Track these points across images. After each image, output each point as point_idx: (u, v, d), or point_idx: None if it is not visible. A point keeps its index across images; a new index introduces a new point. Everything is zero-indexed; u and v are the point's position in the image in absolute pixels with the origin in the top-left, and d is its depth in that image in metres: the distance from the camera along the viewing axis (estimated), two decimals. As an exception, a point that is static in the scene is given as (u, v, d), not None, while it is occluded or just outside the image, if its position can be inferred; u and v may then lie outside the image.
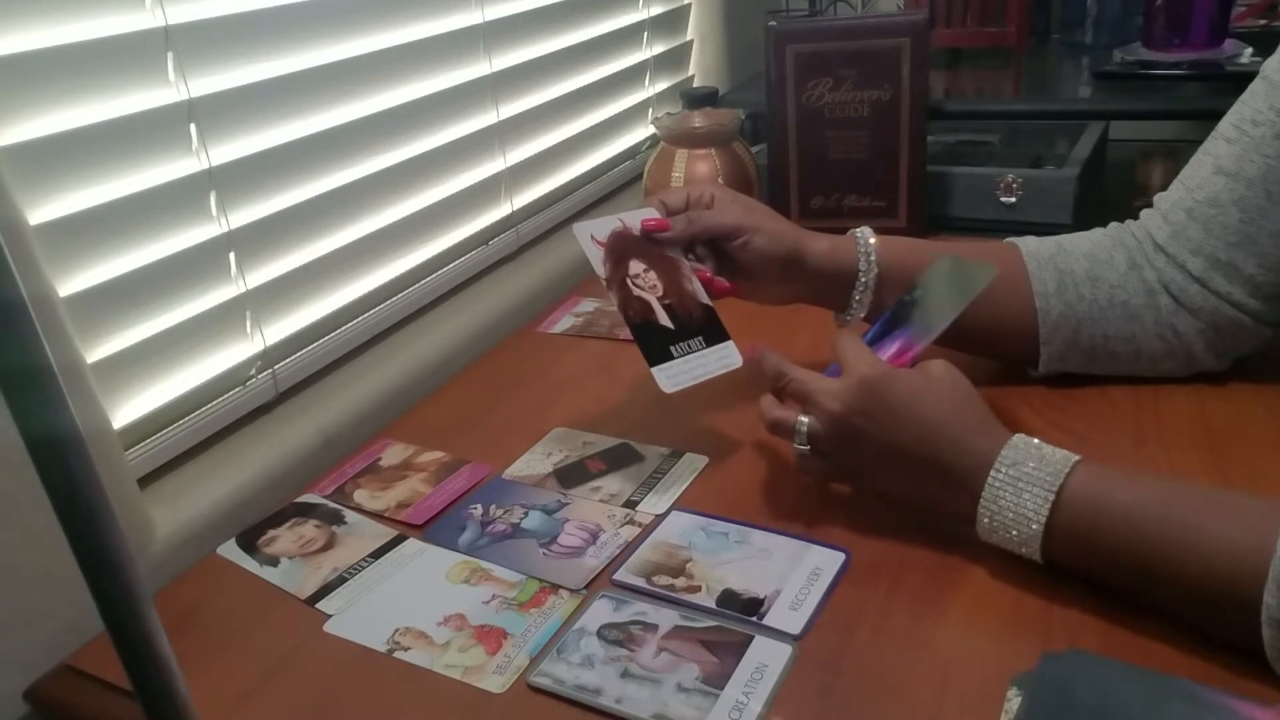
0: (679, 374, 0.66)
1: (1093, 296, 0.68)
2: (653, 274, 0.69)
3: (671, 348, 0.67)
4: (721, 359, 0.68)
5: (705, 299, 0.70)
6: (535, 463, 0.72)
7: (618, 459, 0.72)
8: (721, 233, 0.70)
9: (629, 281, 0.68)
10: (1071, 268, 0.69)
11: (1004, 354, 0.74)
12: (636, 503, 0.66)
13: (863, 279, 0.71)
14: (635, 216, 0.71)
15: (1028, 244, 0.71)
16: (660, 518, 0.64)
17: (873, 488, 0.62)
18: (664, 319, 0.68)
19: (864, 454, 0.58)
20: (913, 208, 1.03)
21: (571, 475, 0.70)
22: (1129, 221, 0.72)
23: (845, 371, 0.58)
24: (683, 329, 0.68)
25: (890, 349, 0.62)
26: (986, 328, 0.71)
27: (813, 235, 0.72)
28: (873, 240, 0.71)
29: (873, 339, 0.64)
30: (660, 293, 0.69)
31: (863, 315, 0.72)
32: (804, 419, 0.60)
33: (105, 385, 0.64)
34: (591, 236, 0.69)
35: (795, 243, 0.70)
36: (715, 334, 0.69)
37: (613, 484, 0.69)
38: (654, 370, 0.66)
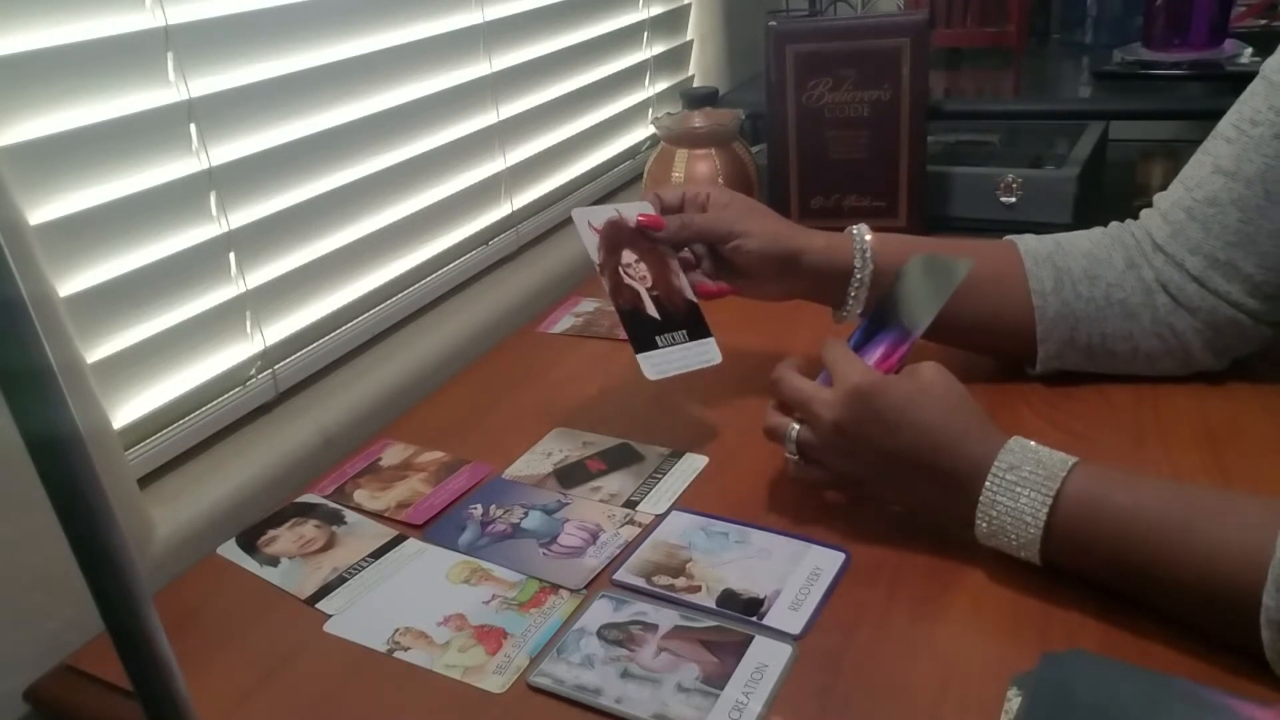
0: (662, 363, 0.69)
1: (1090, 295, 0.68)
2: (643, 265, 0.71)
3: (657, 338, 0.69)
4: (702, 354, 0.71)
5: (691, 295, 0.72)
6: (535, 463, 0.72)
7: (618, 459, 0.72)
8: (713, 238, 0.71)
9: (621, 270, 0.71)
10: (1069, 266, 0.69)
11: (1001, 352, 0.74)
12: (636, 503, 0.66)
13: (858, 276, 0.71)
14: (631, 209, 0.73)
15: (1026, 242, 0.71)
16: (660, 518, 0.64)
17: (869, 495, 0.62)
18: (651, 309, 0.70)
19: (859, 462, 0.58)
20: (913, 208, 1.03)
21: (571, 475, 0.70)
22: (1129, 221, 0.72)
23: (836, 380, 0.58)
24: (668, 321, 0.70)
25: (876, 352, 0.62)
26: (983, 325, 0.71)
27: (809, 233, 0.72)
28: (869, 238, 0.71)
29: (858, 343, 0.64)
30: (649, 284, 0.71)
31: (859, 312, 0.72)
32: (795, 426, 0.60)
33: (105, 385, 0.64)
34: (589, 223, 0.71)
35: (789, 243, 0.71)
36: (698, 329, 0.72)
37: (613, 484, 0.69)
38: (639, 357, 0.68)
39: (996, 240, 0.73)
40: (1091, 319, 0.69)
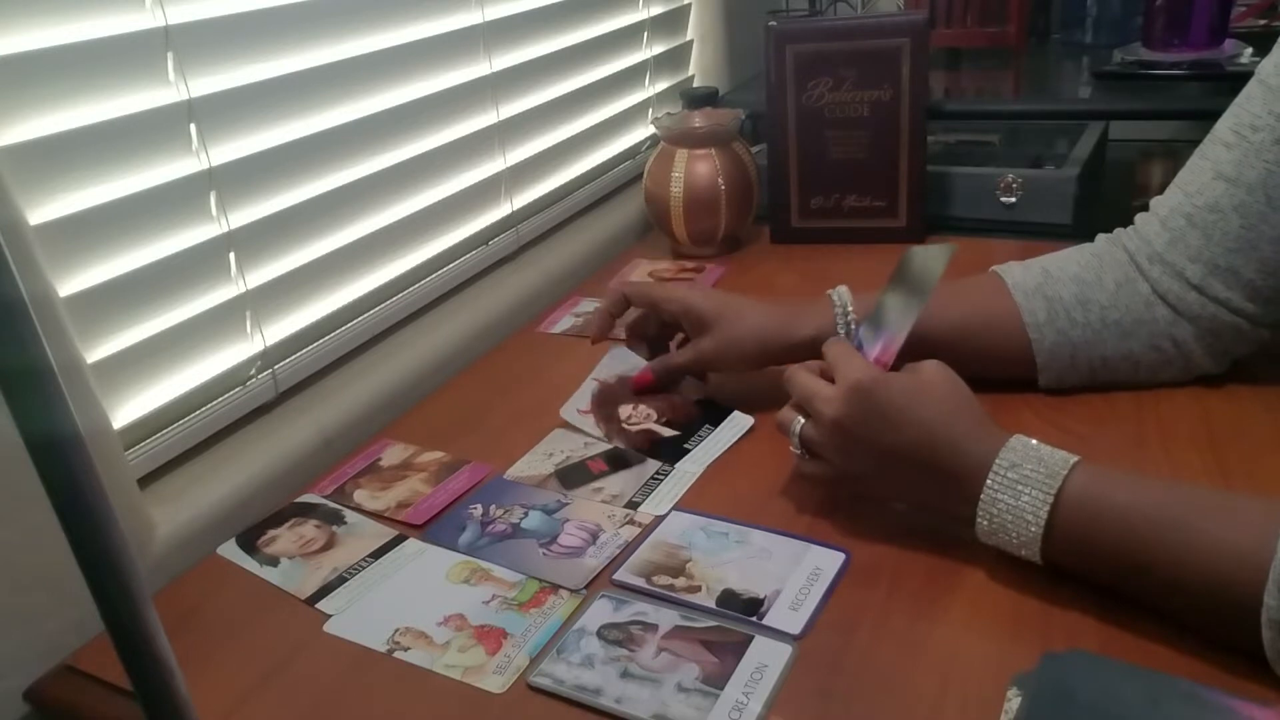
0: (699, 456, 0.71)
1: (1085, 320, 0.68)
2: (642, 406, 0.75)
3: (685, 445, 0.72)
4: (733, 427, 0.73)
5: (694, 395, 0.76)
6: (537, 463, 0.72)
7: (619, 459, 0.72)
8: (699, 368, 0.74)
9: (625, 426, 0.74)
10: (1059, 294, 0.69)
11: (1007, 380, 0.73)
12: (638, 504, 0.66)
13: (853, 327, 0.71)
14: (606, 369, 0.77)
15: (1013, 275, 0.71)
16: (660, 518, 0.64)
17: (871, 493, 0.62)
18: (668, 432, 0.73)
19: (860, 459, 0.58)
20: (913, 208, 1.03)
21: (573, 476, 0.70)
22: (1118, 232, 0.71)
23: (838, 378, 0.59)
24: (687, 429, 0.73)
25: (874, 350, 0.62)
26: (981, 362, 0.69)
27: (791, 322, 0.72)
28: (851, 308, 0.71)
29: (859, 342, 0.64)
30: (655, 416, 0.74)
31: None
32: (800, 421, 0.61)
33: (105, 385, 0.64)
34: (578, 410, 0.75)
35: (775, 343, 0.72)
36: (717, 415, 0.75)
37: (614, 485, 0.69)
38: (678, 466, 0.70)
39: (981, 276, 0.73)
40: (1089, 344, 0.69)
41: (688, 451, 0.71)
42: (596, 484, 0.69)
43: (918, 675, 0.50)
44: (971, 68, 1.41)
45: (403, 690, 0.53)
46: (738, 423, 0.73)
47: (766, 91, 1.05)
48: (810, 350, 0.70)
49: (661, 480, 0.68)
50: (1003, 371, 0.71)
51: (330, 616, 0.59)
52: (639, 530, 0.63)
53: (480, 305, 0.97)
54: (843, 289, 0.72)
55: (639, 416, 0.75)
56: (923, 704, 0.48)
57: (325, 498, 0.71)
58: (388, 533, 0.66)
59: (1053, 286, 0.69)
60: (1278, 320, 0.66)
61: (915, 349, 0.62)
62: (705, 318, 0.73)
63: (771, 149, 1.07)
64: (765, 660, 0.51)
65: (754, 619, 0.54)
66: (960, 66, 1.41)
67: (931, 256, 0.64)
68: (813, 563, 0.58)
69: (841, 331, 0.71)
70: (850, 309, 0.71)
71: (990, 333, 0.70)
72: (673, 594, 0.57)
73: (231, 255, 0.73)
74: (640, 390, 0.71)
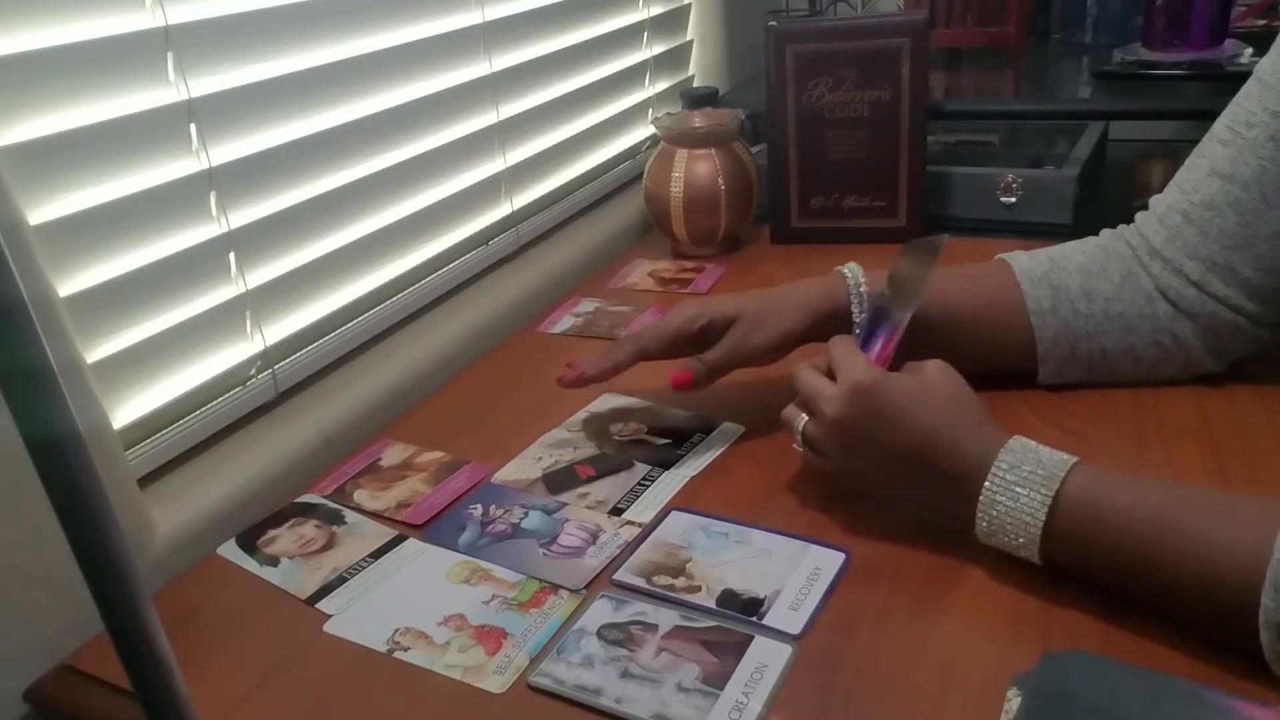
0: (693, 464, 0.70)
1: (1088, 311, 0.68)
2: (630, 423, 0.77)
3: (677, 451, 0.72)
4: (724, 435, 0.74)
5: (682, 414, 0.77)
6: (525, 467, 0.72)
7: (608, 465, 0.71)
8: (736, 359, 0.71)
9: (617, 438, 0.75)
10: (1065, 283, 0.69)
11: (1005, 371, 0.73)
12: (623, 510, 0.66)
13: (858, 330, 0.71)
14: (604, 403, 0.78)
15: (1019, 262, 0.71)
16: (660, 518, 0.64)
17: (872, 490, 0.62)
18: (661, 441, 0.74)
19: (861, 458, 0.58)
20: (913, 208, 1.03)
21: (560, 481, 0.70)
22: (1122, 227, 0.71)
23: (839, 377, 0.59)
24: (677, 437, 0.74)
25: (875, 346, 0.63)
26: (987, 352, 0.70)
27: (805, 311, 0.71)
28: (864, 287, 0.71)
29: (863, 340, 0.64)
30: (646, 430, 0.76)
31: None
32: (803, 418, 0.61)
33: (105, 385, 0.64)
34: (568, 431, 0.77)
35: (794, 330, 0.71)
36: (706, 422, 0.75)
37: (600, 490, 0.68)
38: (669, 471, 0.70)
39: (989, 262, 0.73)
40: (1091, 335, 0.69)
41: (681, 457, 0.71)
42: (583, 489, 0.68)
43: (918, 675, 0.50)
44: (971, 68, 1.41)
45: (403, 690, 0.53)
46: (728, 431, 0.74)
47: (766, 91, 1.05)
48: (821, 326, 0.70)
49: (649, 486, 0.68)
50: (1004, 361, 0.71)
51: (330, 616, 0.59)
52: (639, 530, 0.63)
53: (480, 305, 0.97)
54: (855, 266, 0.73)
55: (628, 430, 0.75)
56: (923, 704, 0.48)
57: (325, 498, 0.71)
58: (388, 533, 0.66)
59: (1059, 275, 0.69)
60: (1278, 320, 0.66)
61: (920, 335, 0.63)
62: (728, 314, 0.71)
63: (771, 149, 1.07)
64: (765, 660, 0.51)
65: (754, 619, 0.54)
66: (960, 66, 1.41)
67: (925, 249, 0.64)
68: (813, 562, 0.58)
69: (855, 305, 0.71)
70: (864, 289, 0.71)
71: (994, 319, 0.70)
72: (673, 594, 0.57)
73: (231, 255, 0.73)
74: (679, 388, 0.71)
